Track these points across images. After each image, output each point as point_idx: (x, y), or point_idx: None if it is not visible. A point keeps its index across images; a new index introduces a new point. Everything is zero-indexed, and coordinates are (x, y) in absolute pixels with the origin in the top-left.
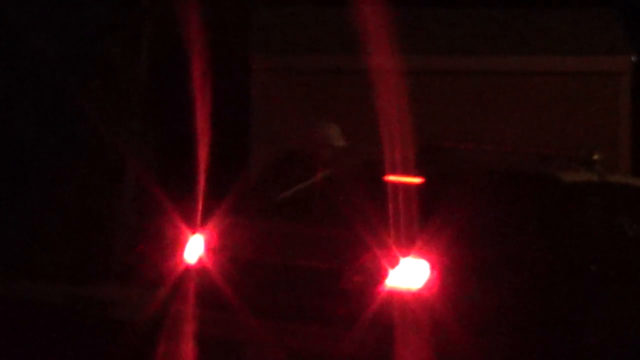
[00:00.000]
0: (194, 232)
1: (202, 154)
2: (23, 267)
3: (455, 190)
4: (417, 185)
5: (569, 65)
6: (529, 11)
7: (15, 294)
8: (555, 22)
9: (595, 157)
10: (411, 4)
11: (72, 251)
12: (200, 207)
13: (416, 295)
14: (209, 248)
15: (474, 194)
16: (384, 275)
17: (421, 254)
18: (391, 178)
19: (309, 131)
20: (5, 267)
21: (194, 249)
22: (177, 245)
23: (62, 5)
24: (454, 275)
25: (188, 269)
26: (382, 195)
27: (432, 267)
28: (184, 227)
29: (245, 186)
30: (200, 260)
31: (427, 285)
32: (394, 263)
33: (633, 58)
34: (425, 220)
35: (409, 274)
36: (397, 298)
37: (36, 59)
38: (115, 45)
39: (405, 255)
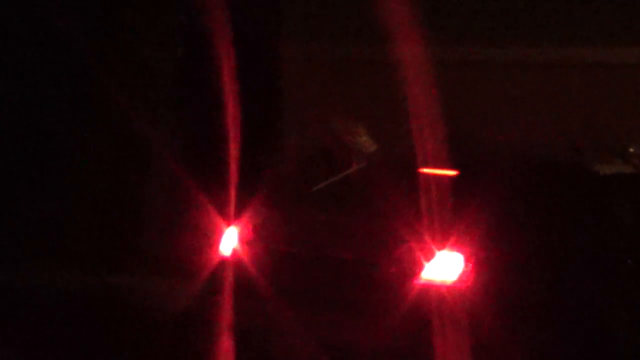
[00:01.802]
0: (228, 224)
1: (234, 144)
2: (55, 255)
3: (489, 182)
4: (451, 177)
5: (600, 57)
6: (556, 2)
7: (44, 283)
8: (582, 13)
9: (631, 149)
10: None
11: (103, 240)
12: (234, 198)
13: (451, 288)
14: (243, 240)
15: (508, 186)
16: (419, 268)
17: (456, 247)
18: (426, 170)
19: (340, 135)
20: (35, 255)
21: (229, 241)
22: (211, 237)
23: None
24: (488, 268)
25: (223, 260)
26: (417, 188)
27: (467, 260)
28: (218, 219)
29: (279, 178)
30: (234, 252)
31: (462, 278)
32: (429, 255)
33: None
34: (461, 213)
35: (444, 266)
36: (432, 291)
37: (68, 48)
38: (146, 35)
39: (440, 248)
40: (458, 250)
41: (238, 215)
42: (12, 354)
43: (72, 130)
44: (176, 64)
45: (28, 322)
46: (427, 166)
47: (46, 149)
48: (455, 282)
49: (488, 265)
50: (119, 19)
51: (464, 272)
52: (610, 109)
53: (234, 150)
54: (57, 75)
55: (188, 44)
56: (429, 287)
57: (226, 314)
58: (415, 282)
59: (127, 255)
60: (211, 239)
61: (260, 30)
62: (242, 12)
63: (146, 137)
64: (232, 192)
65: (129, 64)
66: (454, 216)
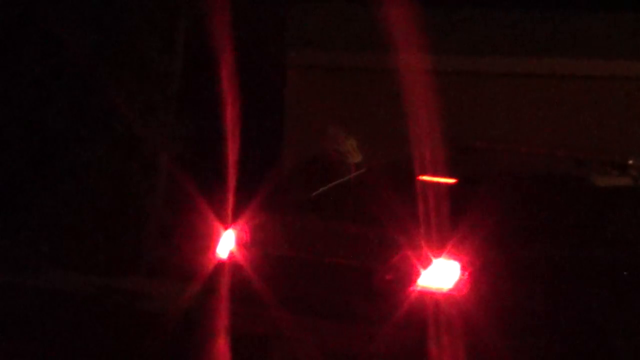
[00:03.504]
0: (226, 227)
1: (235, 148)
2: (54, 257)
3: (487, 191)
4: (450, 186)
5: (604, 69)
6: (563, 13)
7: (46, 284)
8: (588, 25)
9: (630, 161)
10: (445, 4)
11: (103, 242)
12: (232, 201)
13: (447, 296)
14: (240, 243)
15: (506, 196)
16: (415, 275)
17: (453, 255)
18: (424, 178)
19: (325, 142)
20: (36, 257)
21: (226, 243)
22: (209, 239)
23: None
24: (485, 276)
25: (220, 263)
26: (414, 195)
27: (464, 268)
28: (215, 222)
29: (278, 182)
30: (231, 255)
31: (459, 286)
32: (425, 263)
33: None
34: (458, 221)
35: (441, 274)
36: (429, 298)
37: (70, 51)
38: (149, 38)
39: (437, 255)
40: (455, 258)
41: (236, 218)
42: (13, 353)
43: (74, 132)
44: (178, 69)
45: (28, 322)
46: (425, 174)
47: (47, 151)
48: (451, 290)
49: (484, 273)
50: (121, 23)
51: (460, 280)
52: (611, 121)
53: (232, 153)
54: (58, 79)
55: (190, 49)
56: (425, 295)
57: (222, 316)
58: (411, 289)
59: (125, 257)
60: (209, 241)
61: (264, 36)
62: (245, 19)
63: (148, 139)
64: (230, 195)
65: (131, 67)
66: (451, 224)
